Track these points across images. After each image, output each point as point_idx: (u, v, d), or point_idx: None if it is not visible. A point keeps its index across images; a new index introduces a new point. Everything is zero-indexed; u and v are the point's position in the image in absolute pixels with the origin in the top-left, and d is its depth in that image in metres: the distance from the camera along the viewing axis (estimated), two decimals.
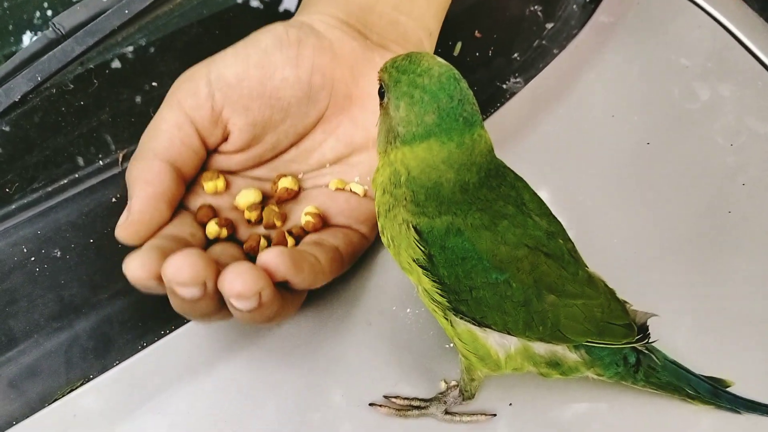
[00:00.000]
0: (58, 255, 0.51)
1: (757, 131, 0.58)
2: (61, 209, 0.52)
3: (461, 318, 0.40)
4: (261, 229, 0.49)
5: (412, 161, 0.39)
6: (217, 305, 0.42)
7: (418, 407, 0.45)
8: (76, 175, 0.54)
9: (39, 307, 0.49)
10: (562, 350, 0.42)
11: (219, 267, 0.41)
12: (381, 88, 0.40)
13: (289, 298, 0.43)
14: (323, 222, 0.48)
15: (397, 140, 0.39)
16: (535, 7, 0.66)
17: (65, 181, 0.54)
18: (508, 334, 0.40)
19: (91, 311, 0.49)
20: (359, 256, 0.50)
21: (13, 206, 0.52)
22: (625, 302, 0.42)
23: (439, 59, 0.39)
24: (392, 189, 0.40)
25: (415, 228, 0.39)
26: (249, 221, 0.48)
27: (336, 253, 0.46)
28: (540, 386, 0.45)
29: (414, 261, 0.40)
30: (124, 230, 0.44)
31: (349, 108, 0.50)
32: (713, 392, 0.44)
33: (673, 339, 0.46)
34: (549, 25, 0.64)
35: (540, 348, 0.41)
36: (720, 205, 0.54)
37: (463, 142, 0.38)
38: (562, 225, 0.42)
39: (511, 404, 0.45)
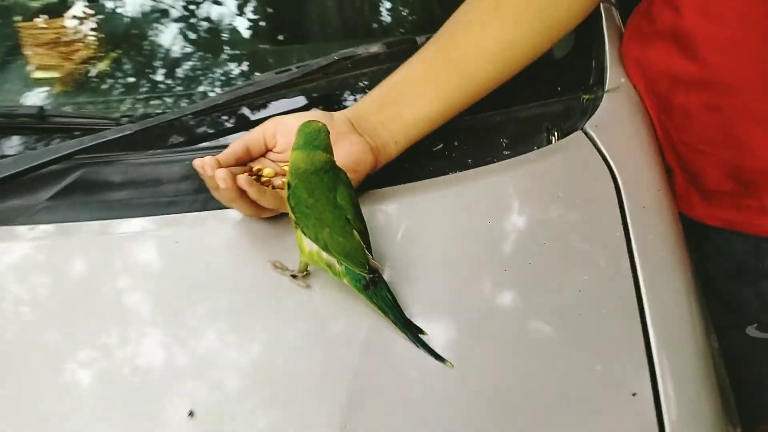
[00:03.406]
0: None
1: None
2: None
3: (298, 228, 0.85)
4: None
5: (293, 159, 0.85)
6: (237, 195, 0.89)
7: (282, 268, 0.90)
8: None
9: None
10: (336, 261, 0.84)
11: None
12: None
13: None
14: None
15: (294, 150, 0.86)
16: None
17: None
18: (312, 241, 0.84)
19: None
20: None
21: None
22: (374, 261, 0.82)
23: (320, 123, 0.86)
24: (291, 171, 0.86)
25: (288, 184, 0.86)
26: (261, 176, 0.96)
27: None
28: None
29: (287, 200, 0.86)
30: (208, 161, 0.91)
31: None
32: (406, 325, 0.82)
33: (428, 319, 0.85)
34: None
35: (324, 255, 0.84)
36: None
37: (310, 152, 0.84)
38: (359, 214, 0.84)
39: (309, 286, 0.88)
